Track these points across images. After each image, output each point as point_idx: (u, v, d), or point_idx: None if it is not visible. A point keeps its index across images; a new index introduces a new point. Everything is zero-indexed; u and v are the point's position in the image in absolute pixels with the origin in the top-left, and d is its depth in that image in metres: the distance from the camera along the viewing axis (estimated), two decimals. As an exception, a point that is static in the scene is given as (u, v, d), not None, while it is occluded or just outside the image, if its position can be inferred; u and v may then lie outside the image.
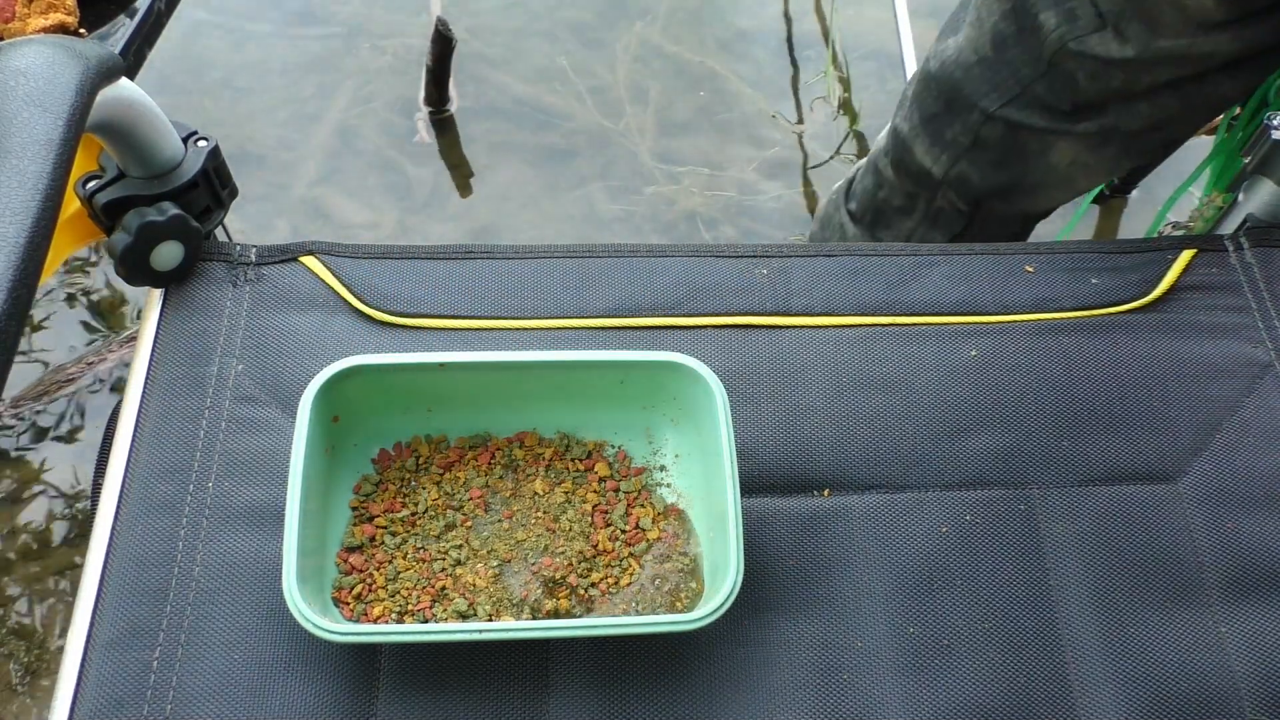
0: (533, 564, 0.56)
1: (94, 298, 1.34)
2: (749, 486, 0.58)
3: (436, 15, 1.40)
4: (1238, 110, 0.84)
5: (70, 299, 1.34)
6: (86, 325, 1.32)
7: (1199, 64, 0.70)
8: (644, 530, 0.57)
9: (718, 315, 0.64)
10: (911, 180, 0.87)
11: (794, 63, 1.58)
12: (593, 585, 0.55)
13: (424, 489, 0.58)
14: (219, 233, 0.66)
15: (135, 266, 0.59)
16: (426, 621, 0.53)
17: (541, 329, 0.63)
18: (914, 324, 0.65)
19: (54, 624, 1.12)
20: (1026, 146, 0.78)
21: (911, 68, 1.27)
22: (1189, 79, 0.71)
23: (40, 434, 1.24)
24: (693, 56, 1.56)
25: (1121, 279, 0.67)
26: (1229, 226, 0.73)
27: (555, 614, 0.54)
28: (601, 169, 1.45)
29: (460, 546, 0.56)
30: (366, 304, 0.62)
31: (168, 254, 0.60)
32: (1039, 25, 0.72)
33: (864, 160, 0.97)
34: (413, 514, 0.57)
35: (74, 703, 0.51)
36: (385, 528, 0.56)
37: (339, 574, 0.55)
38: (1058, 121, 0.75)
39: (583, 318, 0.63)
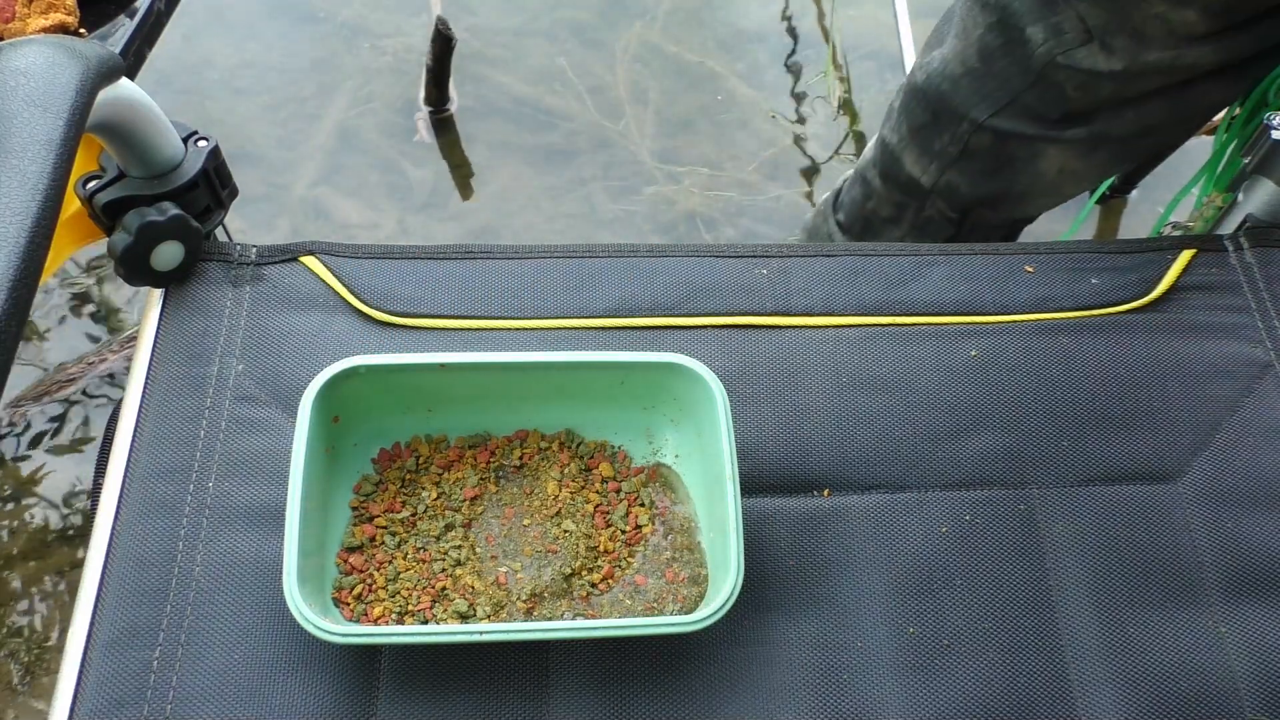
0: (533, 564, 0.56)
1: (94, 298, 1.34)
2: (749, 486, 0.58)
3: (436, 15, 1.39)
4: (1238, 110, 0.84)
5: (70, 300, 1.34)
6: (86, 326, 1.32)
7: (1185, 74, 0.70)
8: (644, 530, 0.57)
9: (718, 315, 0.64)
10: (900, 190, 0.87)
11: (794, 62, 1.58)
12: (593, 586, 0.55)
13: (424, 489, 0.58)
14: (219, 233, 0.66)
15: (135, 266, 0.59)
16: (427, 622, 0.53)
17: (541, 329, 0.63)
18: (914, 324, 0.64)
19: (54, 624, 1.12)
20: (1015, 154, 0.78)
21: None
22: (1175, 86, 0.71)
23: (40, 434, 1.24)
24: (693, 56, 1.56)
25: (1121, 279, 0.67)
26: (1229, 226, 0.73)
27: (556, 615, 0.54)
28: (601, 169, 1.45)
29: (460, 547, 0.56)
30: (366, 304, 0.62)
31: (168, 254, 0.60)
32: (1026, 39, 0.72)
33: (850, 172, 0.97)
34: (413, 514, 0.57)
35: (74, 703, 0.51)
36: (385, 528, 0.56)
37: (339, 574, 0.55)
38: (1047, 129, 0.76)
39: (583, 318, 0.63)
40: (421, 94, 1.49)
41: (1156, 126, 0.75)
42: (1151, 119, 0.74)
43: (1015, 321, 0.65)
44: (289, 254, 0.64)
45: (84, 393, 1.26)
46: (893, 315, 0.65)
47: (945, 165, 0.82)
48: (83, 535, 1.18)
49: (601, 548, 0.56)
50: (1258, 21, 0.67)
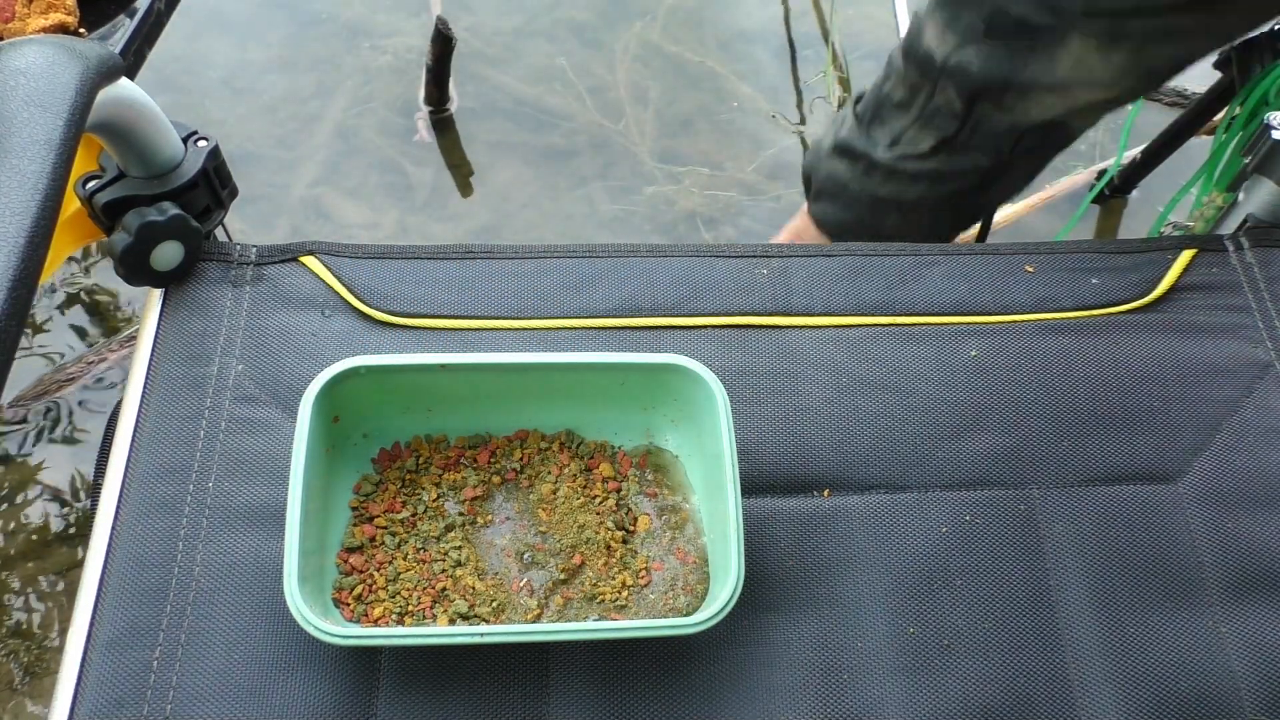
0: (534, 565, 0.55)
1: (94, 298, 1.34)
2: (749, 487, 0.58)
3: (436, 15, 1.39)
4: (1238, 109, 0.83)
5: (70, 299, 1.34)
6: (85, 325, 1.32)
7: None
8: (644, 531, 0.57)
9: (718, 315, 0.64)
10: (916, 68, 0.86)
11: (794, 63, 1.58)
12: (594, 587, 0.55)
13: (424, 489, 0.58)
14: (219, 233, 0.66)
15: (135, 266, 0.59)
16: (426, 622, 0.53)
17: (541, 329, 0.63)
18: (914, 324, 0.64)
19: (54, 624, 1.12)
20: (1034, 41, 0.77)
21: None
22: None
23: (40, 434, 1.24)
24: (693, 56, 1.56)
25: (1121, 279, 0.67)
26: (1229, 226, 0.73)
27: (556, 616, 0.54)
28: (601, 169, 1.45)
29: (460, 548, 0.56)
30: (366, 304, 0.62)
31: (168, 254, 0.60)
32: None
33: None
34: (413, 515, 0.57)
35: (74, 703, 0.51)
36: (385, 528, 0.56)
37: (339, 574, 0.55)
38: (1069, 20, 0.74)
39: (583, 318, 0.63)
40: (421, 94, 1.49)
41: (1179, 32, 0.73)
42: (1177, 24, 0.72)
43: (1015, 321, 0.65)
44: (289, 254, 0.64)
45: (84, 390, 1.26)
46: (893, 315, 0.65)
47: (963, 42, 0.81)
48: (83, 535, 1.18)
49: (601, 548, 0.56)
50: None
